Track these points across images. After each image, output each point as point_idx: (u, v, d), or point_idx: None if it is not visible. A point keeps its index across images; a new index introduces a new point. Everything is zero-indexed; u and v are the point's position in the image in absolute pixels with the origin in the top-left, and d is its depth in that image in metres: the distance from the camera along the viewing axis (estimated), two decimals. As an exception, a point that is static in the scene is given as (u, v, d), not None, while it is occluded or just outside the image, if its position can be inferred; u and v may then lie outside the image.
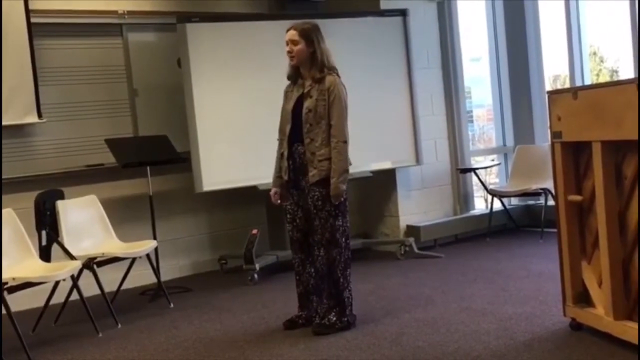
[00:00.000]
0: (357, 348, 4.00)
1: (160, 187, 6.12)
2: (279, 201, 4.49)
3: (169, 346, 4.36)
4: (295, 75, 4.39)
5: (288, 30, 4.32)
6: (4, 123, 5.45)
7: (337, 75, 4.32)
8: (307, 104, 4.27)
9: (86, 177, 5.93)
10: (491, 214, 7.10)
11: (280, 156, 4.44)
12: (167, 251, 6.14)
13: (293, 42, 4.27)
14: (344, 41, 6.24)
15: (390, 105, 6.60)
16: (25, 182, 5.58)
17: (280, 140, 4.45)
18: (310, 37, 4.26)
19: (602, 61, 7.49)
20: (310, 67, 4.29)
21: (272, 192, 4.51)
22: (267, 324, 4.65)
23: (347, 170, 4.26)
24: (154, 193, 5.83)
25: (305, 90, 4.30)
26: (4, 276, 4.26)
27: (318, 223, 4.30)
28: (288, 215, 4.47)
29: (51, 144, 5.87)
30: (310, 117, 4.25)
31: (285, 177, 4.40)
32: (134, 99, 6.27)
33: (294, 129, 4.32)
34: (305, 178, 4.31)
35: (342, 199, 4.29)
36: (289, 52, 4.29)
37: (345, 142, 4.25)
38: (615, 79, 7.11)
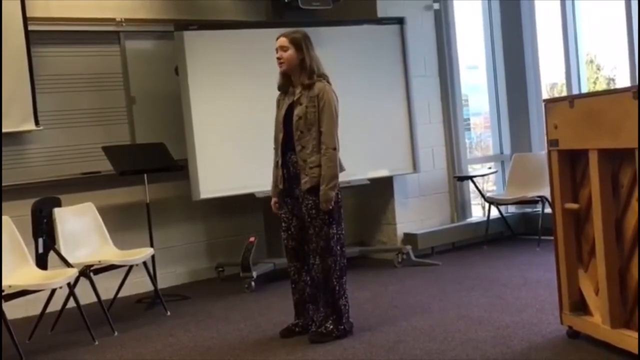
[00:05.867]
0: (354, 356, 3.99)
1: (157, 194, 6.12)
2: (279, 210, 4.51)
3: (166, 354, 4.35)
4: (285, 85, 4.41)
5: (278, 38, 4.36)
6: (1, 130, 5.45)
7: (328, 82, 4.33)
8: (297, 111, 4.28)
9: (83, 184, 5.93)
10: (488, 221, 7.11)
11: (276, 165, 4.45)
12: (164, 259, 6.13)
13: (282, 49, 4.30)
14: (342, 49, 6.26)
15: (388, 113, 6.61)
16: (22, 189, 5.57)
17: (275, 149, 4.46)
18: (300, 44, 4.28)
19: (598, 69, 7.51)
20: (299, 74, 4.31)
21: (272, 202, 4.53)
22: (264, 332, 4.65)
23: (336, 177, 4.26)
24: (151, 200, 5.82)
25: (296, 98, 4.31)
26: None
27: (312, 231, 4.30)
28: (283, 224, 4.47)
29: (48, 152, 5.87)
30: (301, 125, 4.26)
31: (281, 186, 4.41)
32: (132, 107, 6.26)
33: (287, 138, 4.33)
34: (299, 186, 4.32)
35: (337, 207, 4.29)
36: (278, 58, 4.32)
37: (335, 148, 4.25)
38: (611, 87, 7.13)
